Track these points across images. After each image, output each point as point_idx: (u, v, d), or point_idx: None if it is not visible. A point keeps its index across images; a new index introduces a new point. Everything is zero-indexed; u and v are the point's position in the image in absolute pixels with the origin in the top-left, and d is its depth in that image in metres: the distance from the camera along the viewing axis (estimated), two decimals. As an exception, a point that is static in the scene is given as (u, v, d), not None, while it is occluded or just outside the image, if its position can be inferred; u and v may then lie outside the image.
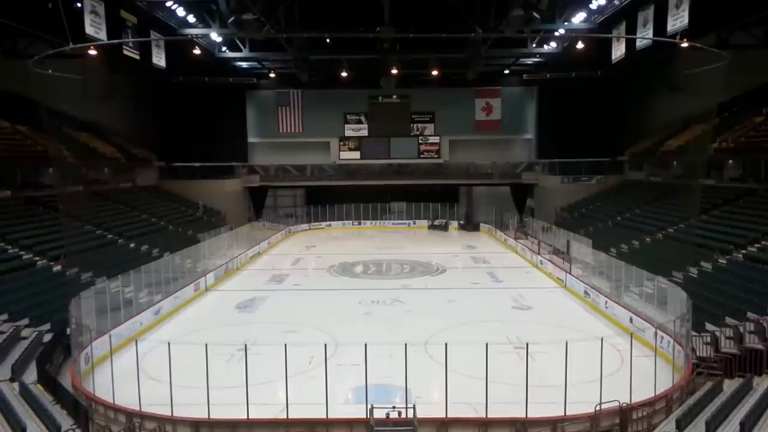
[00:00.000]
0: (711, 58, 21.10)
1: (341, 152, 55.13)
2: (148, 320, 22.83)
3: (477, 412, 14.50)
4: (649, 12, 27.96)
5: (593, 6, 32.49)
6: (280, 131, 54.71)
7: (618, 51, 33.58)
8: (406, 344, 14.85)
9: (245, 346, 15.28)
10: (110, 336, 18.00)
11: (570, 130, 47.60)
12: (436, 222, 52.70)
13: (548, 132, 51.75)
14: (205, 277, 29.64)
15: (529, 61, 48.49)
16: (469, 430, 14.26)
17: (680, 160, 40.29)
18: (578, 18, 34.10)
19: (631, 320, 21.22)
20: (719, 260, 25.85)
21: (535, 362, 15.51)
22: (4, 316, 20.19)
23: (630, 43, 31.72)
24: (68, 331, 18.68)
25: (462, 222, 53.19)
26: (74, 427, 13.37)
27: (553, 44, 41.31)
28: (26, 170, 35.07)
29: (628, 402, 14.25)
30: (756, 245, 25.31)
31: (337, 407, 14.87)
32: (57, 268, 25.82)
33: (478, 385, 15.00)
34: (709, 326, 19.74)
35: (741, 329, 18.54)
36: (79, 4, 25.14)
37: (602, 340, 15.20)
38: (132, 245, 33.15)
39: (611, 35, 32.77)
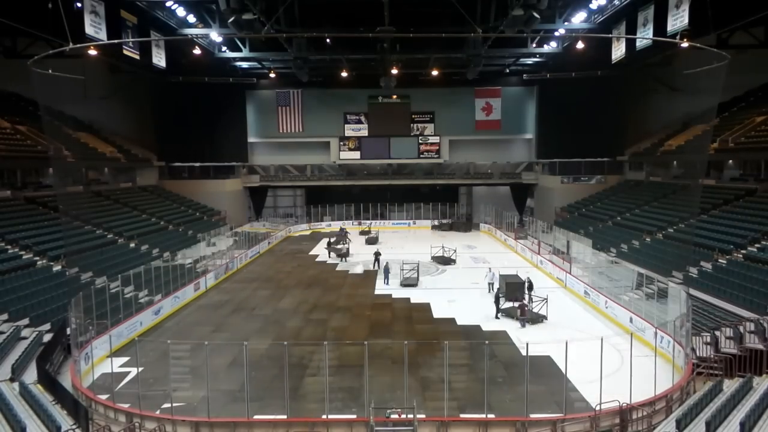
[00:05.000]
0: (711, 58, 21.06)
1: (341, 152, 55.16)
2: (148, 320, 22.85)
3: (477, 412, 14.51)
4: (649, 12, 27.93)
5: (593, 6, 32.49)
6: (280, 131, 54.78)
7: (618, 51, 33.54)
8: (406, 343, 14.88)
9: (245, 345, 15.32)
10: (110, 336, 18.04)
11: (570, 130, 47.63)
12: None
13: (548, 132, 51.78)
14: (205, 277, 29.65)
15: (529, 60, 48.47)
16: (469, 430, 14.26)
17: (680, 160, 40.31)
18: (578, 18, 34.09)
19: (631, 320, 21.22)
20: (719, 260, 25.87)
21: (536, 362, 15.52)
22: (4, 316, 20.21)
23: (630, 43, 31.70)
24: (68, 331, 18.68)
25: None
26: (74, 427, 13.37)
27: (553, 44, 41.29)
28: (26, 170, 35.09)
29: (628, 402, 14.26)
30: (756, 245, 25.32)
31: (337, 407, 14.90)
32: (57, 268, 25.83)
33: (478, 385, 15.02)
34: (709, 326, 19.76)
35: (741, 329, 18.53)
36: (79, 4, 25.12)
37: (602, 340, 15.21)
38: (132, 245, 33.16)
39: (611, 35, 32.73)
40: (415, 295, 27.51)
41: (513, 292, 25.43)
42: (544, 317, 22.99)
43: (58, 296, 22.45)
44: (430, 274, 32.84)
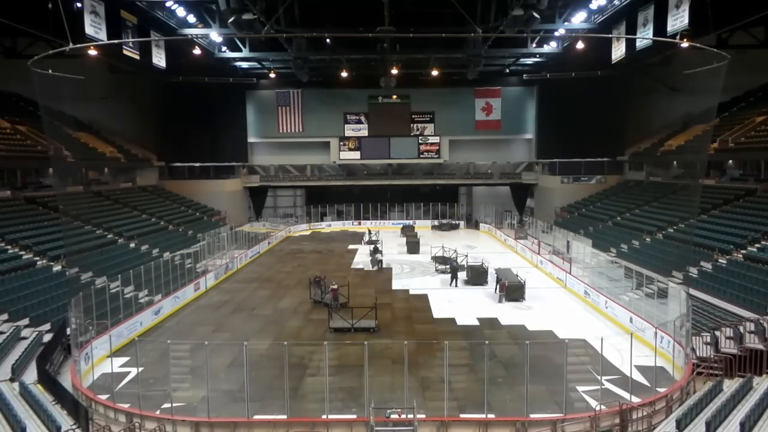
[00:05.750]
0: (711, 58, 21.05)
1: (341, 152, 55.12)
2: (148, 320, 22.85)
3: (477, 412, 14.51)
4: (649, 12, 27.94)
5: (593, 6, 32.49)
6: (280, 131, 54.74)
7: (618, 51, 33.55)
8: (406, 343, 14.88)
9: (245, 345, 15.31)
10: (110, 336, 18.05)
11: (570, 130, 47.62)
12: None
13: (548, 132, 51.74)
14: (205, 277, 29.65)
15: (529, 61, 48.44)
16: (469, 430, 14.26)
17: (680, 160, 40.32)
18: (578, 18, 34.09)
19: (631, 320, 21.22)
20: (719, 260, 25.87)
21: (536, 362, 15.51)
22: (4, 316, 20.22)
23: (630, 43, 31.70)
24: (68, 331, 18.69)
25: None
26: (74, 427, 13.37)
27: (553, 44, 41.29)
28: (26, 170, 35.05)
29: (628, 402, 14.26)
30: (756, 245, 25.33)
31: (337, 407, 14.90)
32: (57, 268, 25.83)
33: (478, 385, 15.01)
34: (709, 326, 19.76)
35: (741, 329, 18.54)
36: (79, 4, 25.12)
37: (602, 340, 15.21)
38: (132, 245, 33.16)
39: (611, 35, 32.74)
40: (415, 295, 27.51)
41: (513, 293, 25.86)
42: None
43: (58, 296, 22.45)
44: (431, 274, 32.83)
